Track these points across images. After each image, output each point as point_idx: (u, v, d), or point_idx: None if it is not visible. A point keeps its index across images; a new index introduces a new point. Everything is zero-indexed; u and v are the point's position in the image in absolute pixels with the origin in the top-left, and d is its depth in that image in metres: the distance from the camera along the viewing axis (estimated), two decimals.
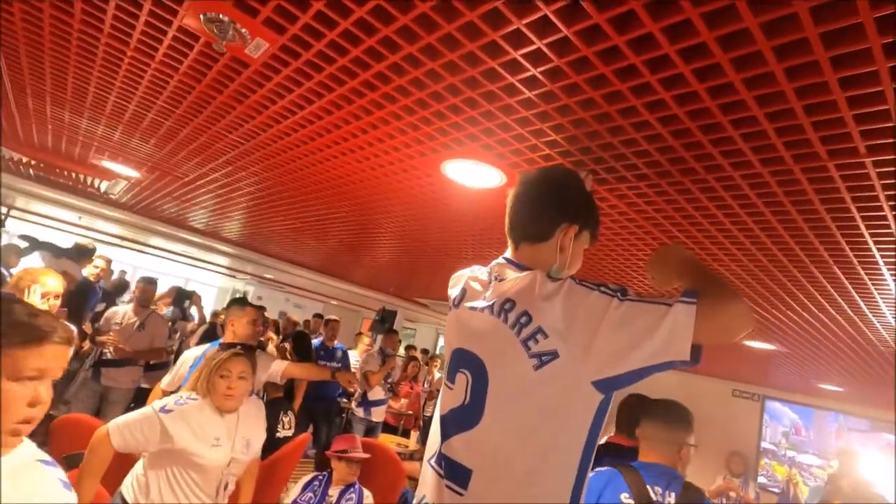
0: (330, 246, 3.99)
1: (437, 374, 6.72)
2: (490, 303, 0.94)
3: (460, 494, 0.87)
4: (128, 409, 3.71)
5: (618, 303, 0.81)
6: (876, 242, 1.43)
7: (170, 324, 4.10)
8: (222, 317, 4.01)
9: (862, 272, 1.67)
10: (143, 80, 1.52)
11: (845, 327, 2.42)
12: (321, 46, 1.12)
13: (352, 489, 2.69)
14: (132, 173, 2.90)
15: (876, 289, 1.78)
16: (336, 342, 5.26)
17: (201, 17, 1.10)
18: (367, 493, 2.69)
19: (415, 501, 0.99)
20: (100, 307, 4.15)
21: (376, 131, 1.51)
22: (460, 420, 0.92)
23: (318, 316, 7.32)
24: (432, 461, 0.97)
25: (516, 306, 0.89)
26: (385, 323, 6.90)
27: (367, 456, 2.80)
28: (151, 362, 3.90)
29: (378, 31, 1.02)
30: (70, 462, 1.65)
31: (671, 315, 0.78)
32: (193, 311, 5.37)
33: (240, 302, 2.89)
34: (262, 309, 3.57)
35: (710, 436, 5.78)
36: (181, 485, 1.70)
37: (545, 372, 0.83)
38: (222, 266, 9.00)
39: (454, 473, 0.89)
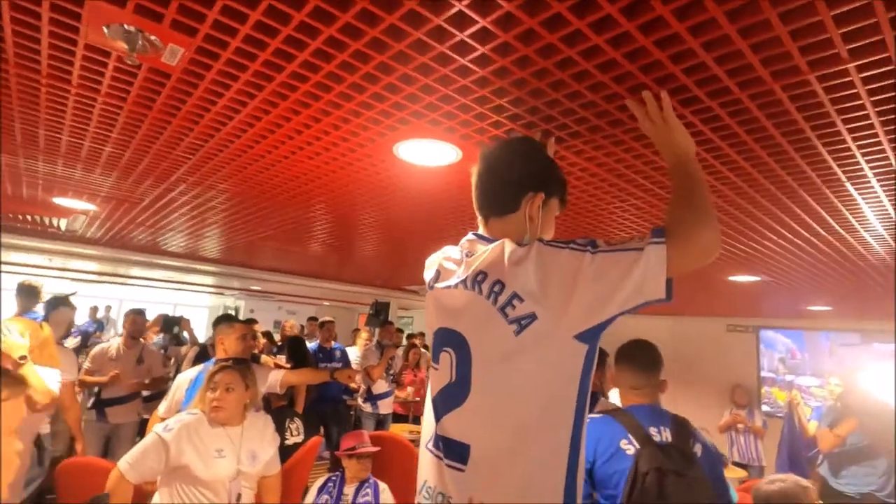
0: (311, 248, 3.94)
1: None
2: (462, 278, 0.95)
3: (461, 471, 0.87)
4: (134, 443, 3.69)
5: (591, 257, 0.83)
6: (864, 154, 1.38)
7: (162, 351, 4.05)
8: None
9: (849, 185, 1.62)
10: (66, 107, 1.45)
11: (833, 243, 2.42)
12: (238, 43, 1.06)
13: (366, 484, 2.70)
14: (88, 206, 2.80)
15: (864, 199, 1.73)
16: (334, 342, 5.26)
17: (105, 29, 1.03)
18: (382, 485, 2.70)
19: (417, 487, 0.99)
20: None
21: (320, 123, 1.46)
22: (449, 398, 0.92)
23: (313, 319, 7.29)
24: (429, 445, 0.97)
25: (488, 277, 0.90)
26: (380, 315, 6.88)
27: (376, 449, 2.80)
28: (150, 393, 3.86)
29: (291, 18, 0.96)
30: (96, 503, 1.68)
31: (643, 259, 0.81)
32: (186, 335, 5.31)
33: (227, 319, 2.84)
34: (251, 322, 3.53)
35: (712, 372, 5.92)
36: (191, 500, 1.72)
37: (526, 335, 0.84)
38: (208, 285, 8.90)
39: (452, 452, 0.90)
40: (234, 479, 1.80)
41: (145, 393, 3.83)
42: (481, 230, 1.04)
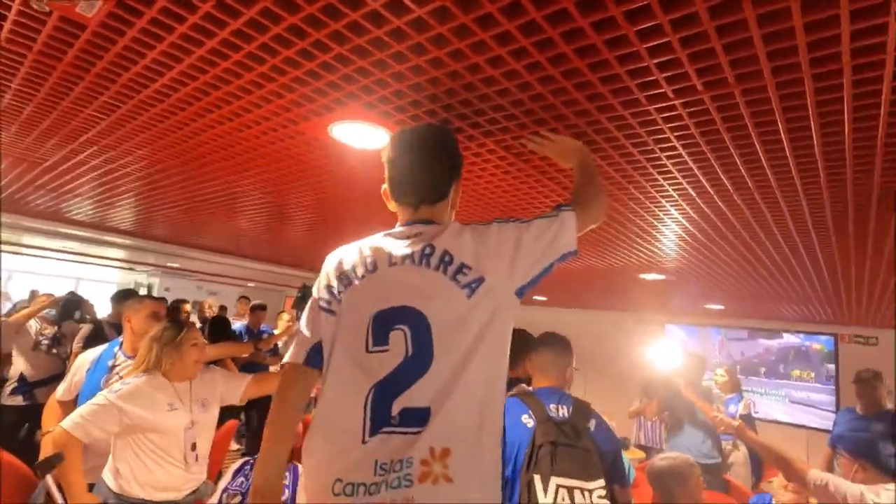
0: (238, 225, 3.77)
1: None
2: (409, 252, 0.99)
3: (417, 434, 0.88)
4: (21, 429, 3.38)
5: (525, 225, 1.03)
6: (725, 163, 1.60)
7: (56, 328, 3.69)
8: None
9: (737, 197, 1.87)
10: None
11: (725, 248, 2.72)
12: (165, 2, 1.02)
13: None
14: None
15: (751, 213, 2.00)
16: (263, 325, 5.18)
17: None
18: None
19: (340, 476, 0.89)
20: None
21: (251, 95, 1.42)
22: (408, 373, 0.93)
23: (245, 298, 7.01)
24: (361, 429, 0.91)
25: (436, 250, 0.98)
26: (307, 299, 6.72)
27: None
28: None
29: None
30: (44, 468, 1.66)
31: (559, 221, 1.05)
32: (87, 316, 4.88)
33: (136, 295, 2.67)
34: (163, 301, 3.33)
35: (624, 365, 6.38)
36: (147, 453, 1.80)
37: (477, 296, 0.95)
38: (118, 259, 8.22)
39: (410, 420, 0.90)
40: (189, 429, 1.91)
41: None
42: (408, 217, 1.07)
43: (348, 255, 1.06)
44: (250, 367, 4.52)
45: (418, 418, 0.90)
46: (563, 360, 1.78)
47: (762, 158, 1.46)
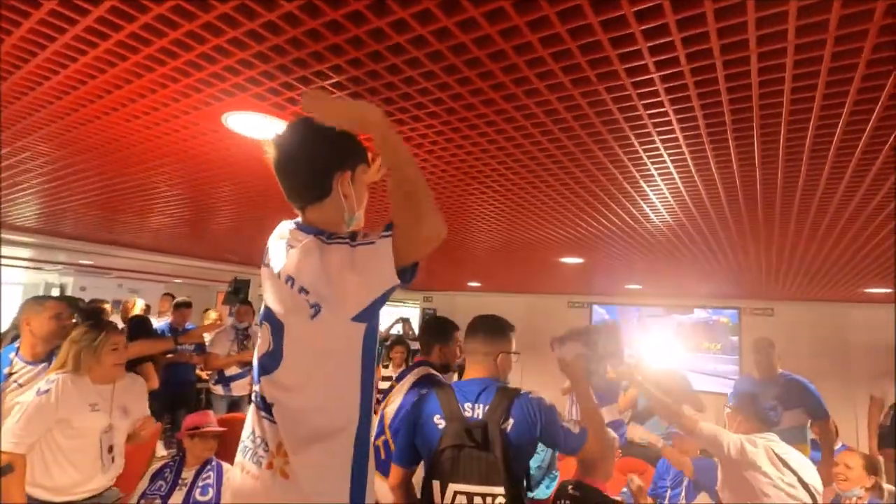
0: (154, 220, 3.55)
1: None
2: (279, 268, 1.05)
3: (273, 423, 1.02)
4: None
5: (350, 250, 0.95)
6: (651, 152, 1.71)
7: None
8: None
9: (643, 182, 2.00)
10: None
11: (639, 230, 2.90)
12: None
13: (209, 467, 2.58)
14: None
15: (655, 195, 2.14)
16: (188, 323, 4.95)
17: None
18: (227, 466, 2.60)
19: (242, 436, 1.11)
20: None
21: (141, 80, 1.34)
22: (267, 364, 1.06)
23: (168, 295, 6.62)
24: (255, 398, 1.10)
25: (291, 274, 1.01)
26: (239, 294, 6.47)
27: (222, 430, 2.69)
28: None
29: None
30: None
31: (378, 252, 0.91)
32: None
33: (36, 297, 2.47)
34: (70, 300, 3.09)
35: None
36: (55, 453, 1.83)
37: (318, 320, 0.96)
38: (23, 258, 7.48)
39: (266, 406, 1.04)
40: (107, 432, 1.97)
41: None
42: (300, 218, 1.10)
43: (273, 236, 1.17)
44: (174, 367, 4.32)
45: (270, 410, 1.03)
46: (493, 346, 1.66)
47: (683, 147, 1.56)
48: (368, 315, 0.98)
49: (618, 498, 2.17)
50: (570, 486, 2.04)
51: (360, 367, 1.01)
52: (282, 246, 1.08)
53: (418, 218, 0.89)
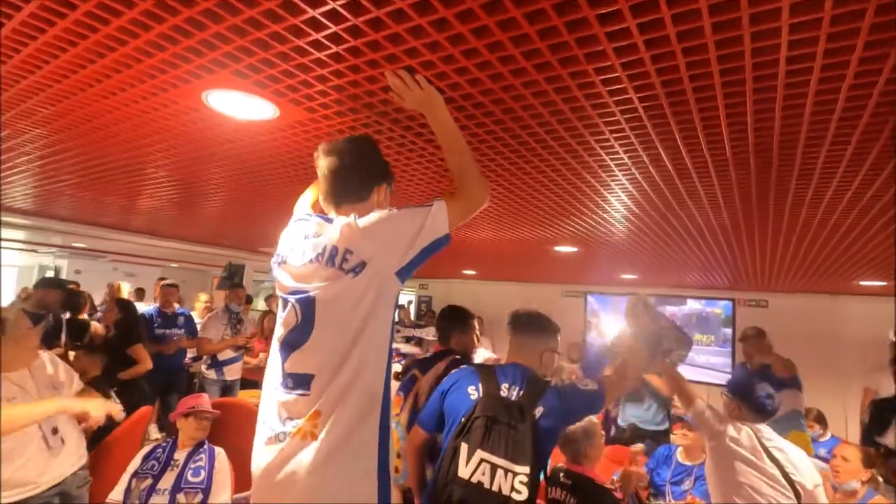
0: (144, 203, 3.52)
1: None
2: (314, 254, 1.13)
3: (307, 395, 1.08)
4: None
5: (398, 212, 1.13)
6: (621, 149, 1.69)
7: None
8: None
9: (639, 175, 1.97)
10: None
11: (634, 221, 2.88)
12: None
13: (201, 449, 2.57)
14: None
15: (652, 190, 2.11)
16: (179, 307, 4.78)
17: None
18: (218, 449, 2.60)
19: (263, 421, 1.15)
20: None
21: (114, 53, 1.29)
22: (294, 340, 1.12)
23: (163, 279, 6.56)
24: (277, 384, 1.14)
25: (327, 247, 1.11)
26: (233, 278, 6.47)
27: (216, 412, 2.68)
28: None
29: None
30: None
31: (433, 210, 1.13)
32: None
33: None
34: (57, 283, 3.06)
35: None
36: (7, 451, 1.72)
37: (360, 277, 1.07)
38: (18, 241, 7.45)
39: (299, 383, 1.10)
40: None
41: None
42: (332, 214, 1.22)
43: (282, 238, 1.27)
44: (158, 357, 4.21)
45: (305, 382, 1.09)
46: (541, 343, 1.75)
47: (677, 138, 1.55)
48: (409, 270, 1.11)
49: (608, 485, 2.18)
50: (561, 474, 2.06)
51: (390, 320, 1.10)
52: (308, 231, 1.18)
53: (473, 180, 1.19)
